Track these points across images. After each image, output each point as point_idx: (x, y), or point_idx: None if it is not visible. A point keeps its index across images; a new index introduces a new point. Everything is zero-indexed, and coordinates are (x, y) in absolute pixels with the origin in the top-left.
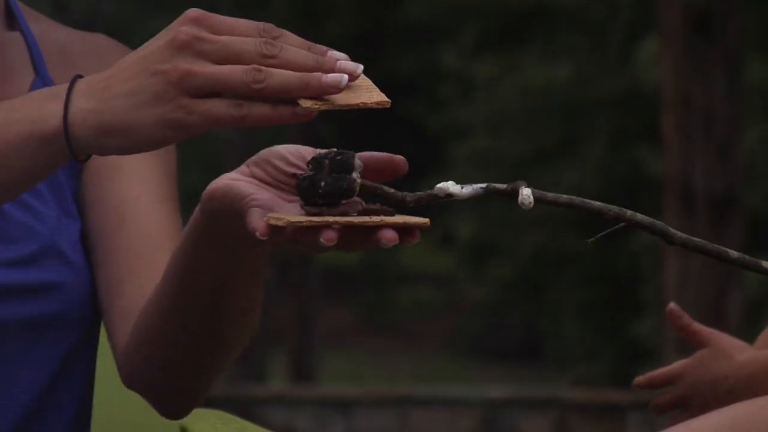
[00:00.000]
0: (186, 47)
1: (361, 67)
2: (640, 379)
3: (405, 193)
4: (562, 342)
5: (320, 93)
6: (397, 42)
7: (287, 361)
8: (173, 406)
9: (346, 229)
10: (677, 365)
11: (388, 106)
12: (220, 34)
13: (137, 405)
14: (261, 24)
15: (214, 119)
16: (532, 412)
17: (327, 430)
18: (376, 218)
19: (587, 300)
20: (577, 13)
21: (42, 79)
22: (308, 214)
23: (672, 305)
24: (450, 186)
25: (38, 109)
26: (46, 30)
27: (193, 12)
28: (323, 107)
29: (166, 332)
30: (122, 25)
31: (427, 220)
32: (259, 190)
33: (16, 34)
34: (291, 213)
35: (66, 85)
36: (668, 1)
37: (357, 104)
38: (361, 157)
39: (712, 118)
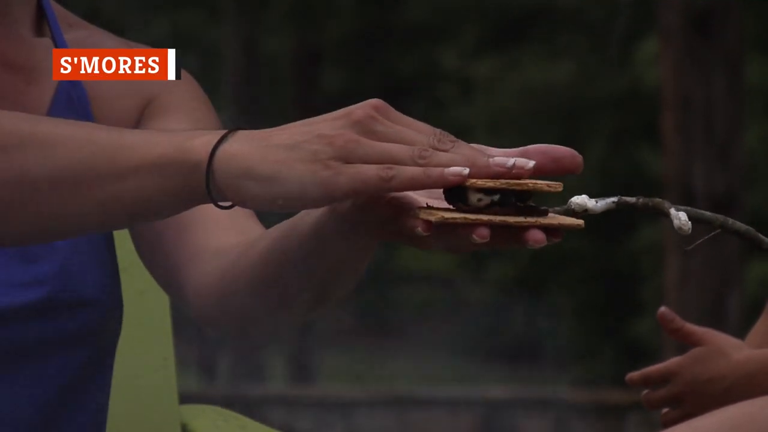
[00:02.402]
0: (360, 123)
1: (533, 163)
2: (634, 374)
3: (545, 208)
4: (562, 342)
5: (486, 172)
6: (397, 42)
7: (287, 361)
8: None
9: (495, 228)
10: (672, 362)
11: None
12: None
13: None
14: (437, 129)
15: (362, 181)
16: (532, 412)
17: (327, 430)
18: (531, 219)
19: (587, 300)
20: (577, 13)
21: (68, 83)
22: (460, 210)
23: (663, 309)
24: (586, 200)
25: (191, 139)
26: (84, 37)
27: (375, 101)
28: (488, 184)
29: (263, 296)
30: (122, 25)
31: (581, 221)
32: None
33: (46, 40)
34: (442, 209)
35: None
36: (668, 1)
37: (529, 184)
38: (537, 151)
39: (712, 118)
